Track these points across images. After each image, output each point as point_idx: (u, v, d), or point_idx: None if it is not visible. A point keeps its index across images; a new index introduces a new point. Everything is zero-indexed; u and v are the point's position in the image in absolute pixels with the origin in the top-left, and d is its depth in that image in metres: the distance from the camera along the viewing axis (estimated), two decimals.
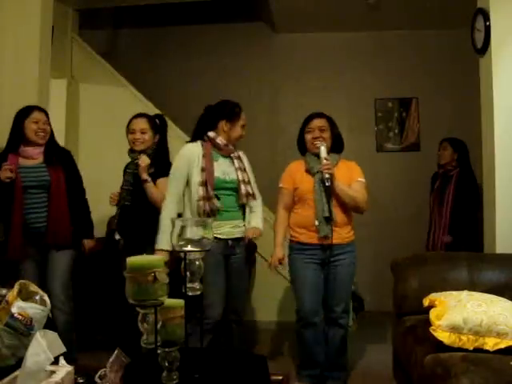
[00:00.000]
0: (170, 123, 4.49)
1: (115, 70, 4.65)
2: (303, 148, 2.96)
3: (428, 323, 2.09)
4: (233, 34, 5.23)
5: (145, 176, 2.84)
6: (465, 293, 2.20)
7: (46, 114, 2.95)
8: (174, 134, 4.43)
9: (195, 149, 2.74)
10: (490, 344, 1.94)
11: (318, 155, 2.80)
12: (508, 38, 2.92)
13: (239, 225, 2.80)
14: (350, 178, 2.87)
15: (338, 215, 2.80)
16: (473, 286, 2.41)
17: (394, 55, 5.03)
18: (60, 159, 2.90)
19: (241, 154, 2.91)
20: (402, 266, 2.69)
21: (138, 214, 2.89)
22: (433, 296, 2.28)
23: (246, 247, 2.84)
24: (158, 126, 3.05)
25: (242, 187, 2.74)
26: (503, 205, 2.91)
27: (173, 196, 2.71)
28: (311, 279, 2.81)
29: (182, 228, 1.54)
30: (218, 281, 2.67)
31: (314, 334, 2.83)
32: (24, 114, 2.87)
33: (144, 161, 2.86)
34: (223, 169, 2.76)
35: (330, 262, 2.81)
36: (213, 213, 2.64)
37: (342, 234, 2.83)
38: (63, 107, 4.29)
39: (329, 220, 2.75)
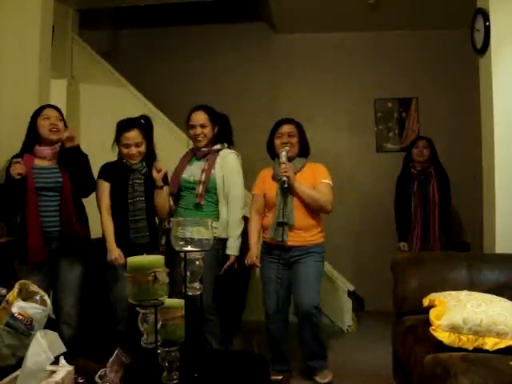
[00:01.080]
0: (170, 124, 4.52)
1: (115, 69, 4.65)
2: (273, 153, 3.13)
3: (428, 323, 2.10)
4: (233, 34, 5.23)
5: (161, 182, 2.87)
6: (464, 293, 2.20)
7: (59, 111, 2.89)
8: (175, 134, 4.44)
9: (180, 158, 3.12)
10: (490, 344, 1.94)
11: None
12: (508, 38, 2.92)
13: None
14: (315, 180, 3.00)
15: (301, 219, 2.93)
16: (472, 286, 2.41)
17: (394, 55, 5.03)
18: (72, 161, 2.78)
19: (222, 156, 3.01)
20: (401, 266, 2.69)
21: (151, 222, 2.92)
22: (432, 296, 2.28)
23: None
24: (145, 127, 2.96)
25: (197, 187, 2.93)
26: (503, 205, 2.91)
27: None
28: (273, 278, 2.98)
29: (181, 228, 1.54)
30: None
31: (279, 330, 3.02)
32: (36, 113, 2.83)
33: (162, 166, 2.87)
34: (193, 171, 3.01)
35: (293, 262, 2.97)
36: (171, 210, 3.01)
37: (305, 237, 2.95)
38: (63, 107, 4.26)
39: (281, 224, 2.90)
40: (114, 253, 2.78)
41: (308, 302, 2.90)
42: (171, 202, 3.05)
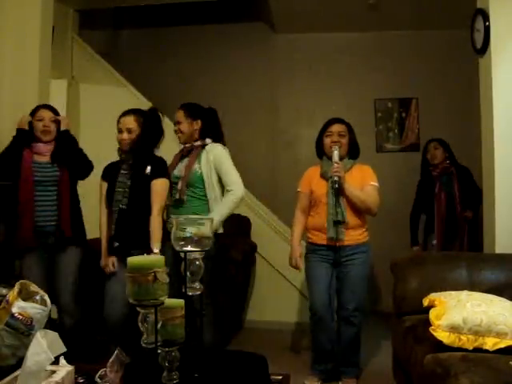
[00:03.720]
0: (170, 124, 4.52)
1: (115, 70, 4.65)
2: (320, 151, 3.09)
3: (428, 323, 2.09)
4: (233, 34, 5.23)
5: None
6: (464, 293, 2.20)
7: (53, 111, 2.97)
8: (175, 134, 4.44)
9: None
10: (490, 344, 1.94)
11: (331, 159, 2.93)
12: (507, 39, 2.92)
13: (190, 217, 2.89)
14: (363, 182, 2.98)
15: (350, 218, 2.91)
16: (472, 286, 2.41)
17: (394, 55, 5.03)
18: (68, 157, 2.90)
19: (208, 150, 3.01)
20: (401, 266, 2.69)
21: (136, 217, 2.77)
22: (432, 296, 2.28)
23: None
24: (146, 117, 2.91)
25: (178, 183, 2.96)
26: (503, 205, 2.91)
27: None
28: (321, 277, 2.94)
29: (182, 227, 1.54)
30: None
31: (325, 329, 2.95)
32: (32, 113, 2.93)
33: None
34: (179, 167, 3.03)
35: (342, 262, 2.93)
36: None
37: (354, 236, 2.93)
38: (63, 107, 4.27)
39: (338, 223, 2.87)
40: (105, 260, 2.76)
41: (352, 305, 2.90)
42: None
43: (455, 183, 3.83)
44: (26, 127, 2.90)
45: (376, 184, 3.02)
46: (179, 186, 2.95)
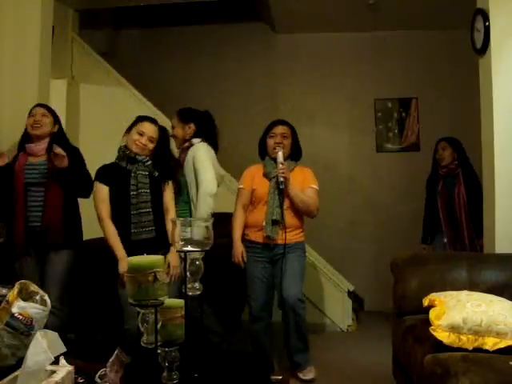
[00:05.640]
0: (170, 124, 4.51)
1: (115, 70, 4.65)
2: (263, 152, 3.16)
3: (428, 323, 2.10)
4: (233, 35, 5.23)
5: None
6: (464, 293, 2.20)
7: (47, 108, 2.95)
8: None
9: None
10: (490, 344, 1.94)
11: (275, 160, 2.99)
12: (507, 39, 2.92)
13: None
14: (303, 184, 3.06)
15: (289, 219, 3.00)
16: (472, 286, 2.41)
17: (394, 55, 5.03)
18: (75, 178, 2.82)
19: (192, 149, 3.09)
20: (401, 266, 2.69)
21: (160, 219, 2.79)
22: (432, 296, 2.28)
23: None
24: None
25: None
26: (503, 205, 2.91)
27: None
28: (258, 276, 3.04)
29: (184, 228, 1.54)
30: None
31: (263, 329, 3.07)
32: (29, 113, 2.92)
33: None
34: None
35: (277, 259, 3.02)
36: None
37: (290, 236, 3.00)
38: (63, 107, 4.28)
39: (276, 222, 2.96)
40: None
41: (294, 294, 2.95)
42: None
43: (459, 186, 3.75)
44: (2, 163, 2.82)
45: (316, 187, 3.09)
46: None
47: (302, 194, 3.01)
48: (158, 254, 2.17)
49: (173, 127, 3.12)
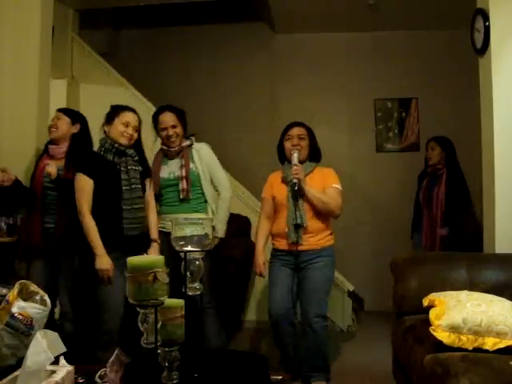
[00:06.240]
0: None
1: (115, 70, 4.65)
2: (282, 157, 3.08)
3: (428, 323, 2.10)
4: (233, 34, 5.23)
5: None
6: (464, 293, 2.20)
7: (63, 110, 3.02)
8: None
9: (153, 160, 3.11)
10: (490, 344, 1.95)
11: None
12: (508, 39, 2.92)
13: (190, 217, 2.90)
14: (324, 184, 2.95)
15: (311, 221, 2.88)
16: (472, 286, 2.41)
17: (394, 55, 5.03)
18: (81, 163, 2.77)
19: (197, 149, 3.07)
20: (401, 266, 2.69)
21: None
22: (432, 296, 2.28)
23: None
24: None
25: (180, 183, 2.98)
26: (503, 205, 2.90)
27: None
28: (280, 281, 2.91)
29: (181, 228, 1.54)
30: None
31: (281, 333, 2.91)
32: None
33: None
34: (171, 169, 3.04)
35: (302, 267, 2.89)
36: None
37: (314, 241, 2.89)
38: (63, 107, 4.28)
39: (298, 227, 2.84)
40: (108, 261, 2.60)
41: (312, 308, 2.84)
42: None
43: (439, 186, 3.78)
44: (9, 182, 2.80)
45: (338, 186, 2.95)
46: (184, 185, 2.96)
47: (319, 194, 2.88)
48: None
49: (174, 126, 3.02)
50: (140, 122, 2.87)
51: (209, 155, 3.09)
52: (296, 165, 2.85)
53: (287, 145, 3.00)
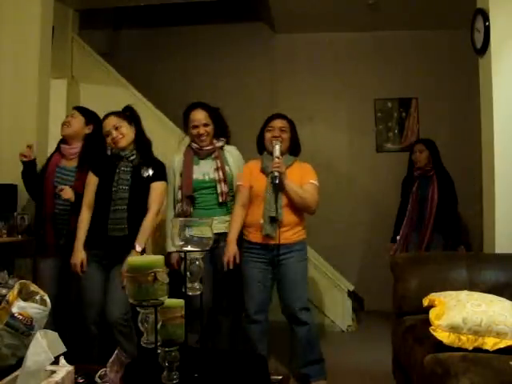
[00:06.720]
0: (170, 124, 4.51)
1: (115, 69, 4.65)
2: (261, 147, 3.04)
3: (428, 323, 2.09)
4: (233, 34, 5.24)
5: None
6: (464, 293, 2.20)
7: (78, 109, 3.02)
8: (175, 134, 4.44)
9: (175, 158, 3.01)
10: (490, 344, 1.94)
11: (272, 154, 2.86)
12: (508, 39, 2.92)
13: (225, 219, 2.93)
14: (302, 179, 2.92)
15: (287, 216, 2.85)
16: (472, 286, 2.41)
17: (394, 55, 5.04)
18: (95, 165, 2.79)
19: (229, 151, 3.04)
20: (401, 266, 2.69)
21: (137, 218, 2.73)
22: (432, 296, 2.28)
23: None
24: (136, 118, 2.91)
25: (218, 186, 2.91)
26: (503, 205, 2.91)
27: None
28: (256, 278, 2.89)
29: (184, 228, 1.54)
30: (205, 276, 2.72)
31: (257, 331, 2.92)
32: None
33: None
34: (203, 170, 2.95)
35: (278, 261, 2.86)
36: (184, 213, 2.86)
37: (289, 235, 2.86)
38: (63, 107, 4.28)
39: (274, 220, 2.80)
40: (79, 256, 2.66)
41: (295, 302, 2.84)
42: (185, 206, 2.91)
43: (433, 187, 3.79)
44: (29, 158, 2.89)
45: (316, 182, 2.93)
46: (223, 188, 2.91)
47: (298, 189, 2.85)
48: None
49: (206, 124, 2.95)
50: (139, 118, 2.86)
51: (240, 158, 3.07)
52: (278, 157, 2.80)
53: (268, 136, 2.96)
